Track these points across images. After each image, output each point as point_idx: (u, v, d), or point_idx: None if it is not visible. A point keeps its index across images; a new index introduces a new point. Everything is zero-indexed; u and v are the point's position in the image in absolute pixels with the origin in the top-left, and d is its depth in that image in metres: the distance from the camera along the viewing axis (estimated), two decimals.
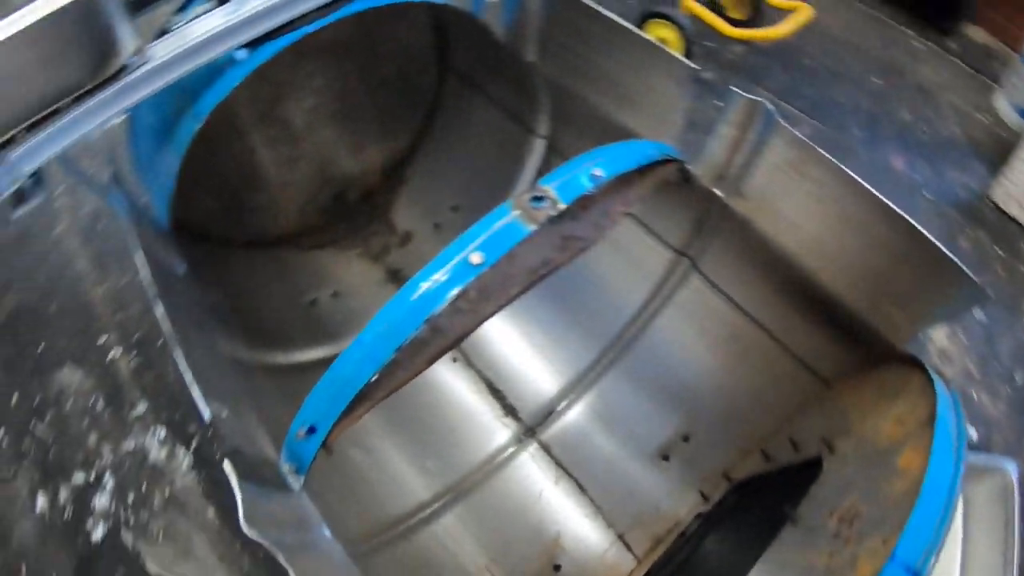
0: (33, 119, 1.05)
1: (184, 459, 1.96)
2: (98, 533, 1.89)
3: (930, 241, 0.96)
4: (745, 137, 1.12)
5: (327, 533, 0.97)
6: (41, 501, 1.92)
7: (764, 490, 1.41)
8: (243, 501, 0.77)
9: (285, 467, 0.95)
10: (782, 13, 2.62)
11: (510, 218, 0.83)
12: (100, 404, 2.06)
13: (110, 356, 2.13)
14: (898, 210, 0.97)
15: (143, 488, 1.91)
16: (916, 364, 1.07)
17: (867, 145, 2.68)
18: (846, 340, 1.26)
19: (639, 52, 1.18)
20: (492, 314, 0.92)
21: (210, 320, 1.44)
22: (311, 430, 0.88)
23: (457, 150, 1.87)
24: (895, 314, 1.11)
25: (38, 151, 1.07)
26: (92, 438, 1.99)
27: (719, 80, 2.70)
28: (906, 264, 1.02)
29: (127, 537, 1.86)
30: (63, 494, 1.91)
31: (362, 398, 0.87)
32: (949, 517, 0.74)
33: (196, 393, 0.88)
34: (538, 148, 1.69)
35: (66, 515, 1.91)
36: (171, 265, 1.31)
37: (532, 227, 0.83)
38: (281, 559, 0.72)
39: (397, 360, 0.86)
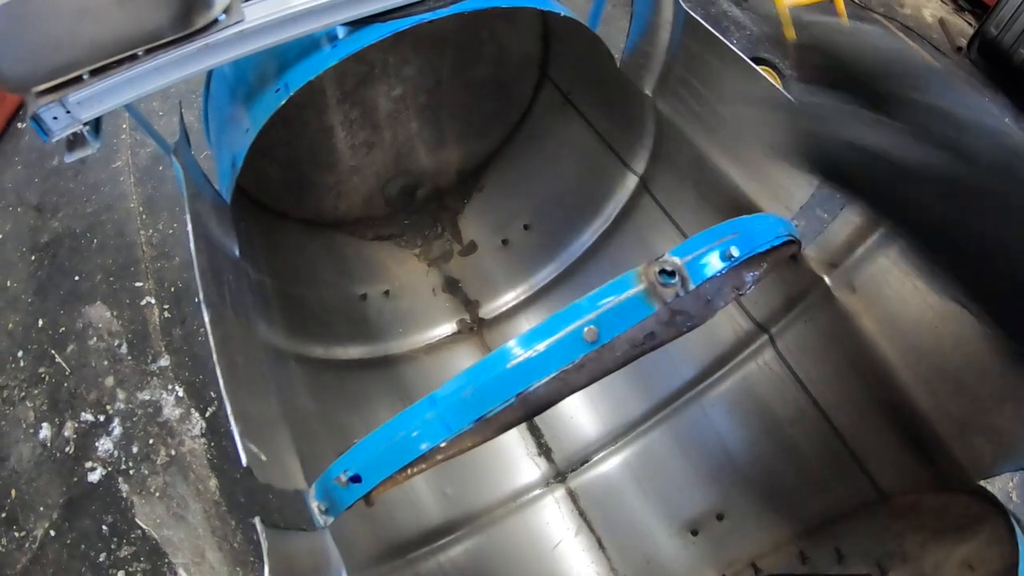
0: (103, 62, 0.90)
1: (197, 423, 1.84)
2: (95, 475, 1.78)
3: None
4: (873, 229, 0.95)
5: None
6: (45, 430, 1.81)
7: None
8: (271, 559, 0.63)
9: (314, 504, 0.81)
10: None
11: (634, 292, 0.67)
12: (124, 348, 1.94)
13: (143, 302, 2.00)
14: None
15: (150, 442, 1.79)
16: (994, 504, 0.90)
17: None
18: (918, 456, 1.09)
19: (770, 106, 1.00)
20: (584, 387, 0.77)
21: (254, 304, 1.29)
22: (355, 478, 0.74)
23: (540, 167, 1.70)
24: (983, 447, 0.93)
25: (101, 98, 0.92)
26: (109, 380, 1.87)
27: None
28: (1010, 401, 0.85)
29: (123, 486, 1.75)
30: (68, 429, 1.80)
31: (420, 460, 0.73)
32: None
33: (236, 430, 0.73)
34: (629, 184, 1.52)
35: (68, 449, 1.80)
36: (223, 244, 1.16)
37: (656, 307, 0.66)
38: None
39: (472, 427, 0.72)
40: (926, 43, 2.71)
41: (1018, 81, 2.52)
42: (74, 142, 0.95)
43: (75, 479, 1.79)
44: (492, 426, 0.72)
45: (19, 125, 2.37)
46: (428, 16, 1.03)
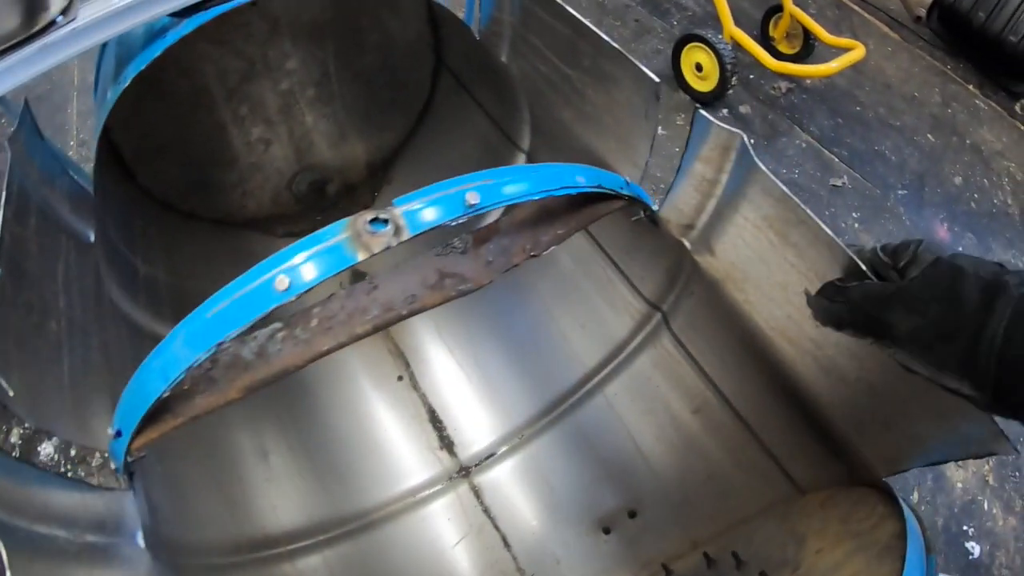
0: None
1: None
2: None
3: None
4: (718, 179, 0.81)
5: (140, 543, 0.79)
6: None
7: None
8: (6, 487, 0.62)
9: (111, 464, 0.75)
10: (835, 52, 2.23)
11: (335, 240, 0.57)
12: None
13: None
14: None
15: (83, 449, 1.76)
16: (895, 504, 0.75)
17: (909, 207, 2.26)
18: (827, 448, 0.94)
19: (604, 59, 0.88)
20: (330, 351, 0.69)
21: (125, 290, 1.23)
22: (118, 433, 0.68)
23: (445, 154, 1.61)
24: (883, 439, 0.78)
25: None
26: None
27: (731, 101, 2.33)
28: (903, 381, 0.69)
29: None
30: (14, 435, 1.78)
31: (162, 411, 0.66)
32: None
33: None
34: (521, 162, 1.41)
35: (14, 455, 1.78)
36: (76, 229, 1.11)
37: (360, 256, 0.56)
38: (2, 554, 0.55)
39: (210, 377, 0.67)
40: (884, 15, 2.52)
41: (979, 46, 2.32)
42: None
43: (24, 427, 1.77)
44: (232, 377, 0.67)
45: None
46: None
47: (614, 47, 0.82)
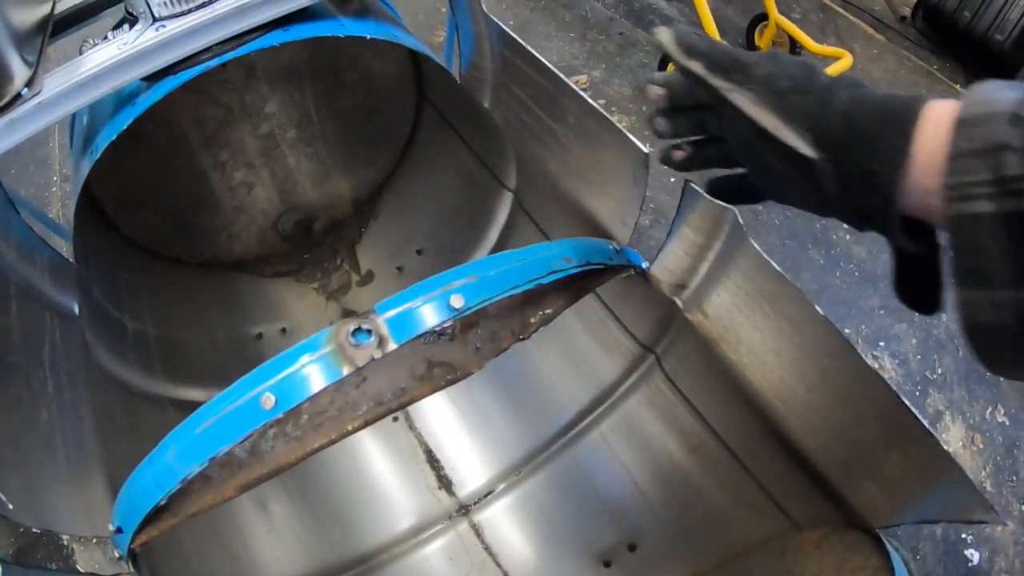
0: None
1: None
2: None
3: (923, 429, 0.64)
4: (710, 245, 0.81)
5: None
6: None
7: None
8: None
9: (115, 553, 0.75)
10: (821, 62, 2.22)
11: (318, 355, 0.57)
12: None
13: None
14: (885, 381, 0.65)
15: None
16: (888, 560, 0.76)
17: None
18: (821, 491, 0.94)
19: (589, 120, 0.87)
20: (323, 447, 0.69)
21: (118, 356, 1.23)
22: (119, 530, 0.69)
23: (430, 189, 1.60)
24: (874, 494, 0.79)
25: None
26: None
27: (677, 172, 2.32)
28: (893, 448, 0.70)
29: (64, 535, 1.70)
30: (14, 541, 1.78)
31: (162, 511, 0.66)
32: None
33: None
34: (507, 200, 1.41)
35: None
36: (59, 303, 1.10)
37: (344, 371, 0.56)
38: None
39: (205, 476, 0.65)
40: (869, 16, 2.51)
41: (965, 46, 2.31)
42: None
43: (21, 530, 1.76)
44: (227, 476, 0.66)
45: None
46: (214, 62, 0.93)
47: (598, 110, 0.81)
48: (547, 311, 0.72)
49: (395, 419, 1.50)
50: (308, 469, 1.41)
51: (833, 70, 2.12)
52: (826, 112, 0.45)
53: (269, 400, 0.56)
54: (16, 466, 0.74)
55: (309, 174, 1.55)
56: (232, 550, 1.26)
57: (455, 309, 0.59)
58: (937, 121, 0.40)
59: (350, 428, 0.67)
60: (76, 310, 1.11)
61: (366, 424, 0.67)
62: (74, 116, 1.29)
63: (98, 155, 0.97)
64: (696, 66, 0.50)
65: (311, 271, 1.67)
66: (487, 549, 1.38)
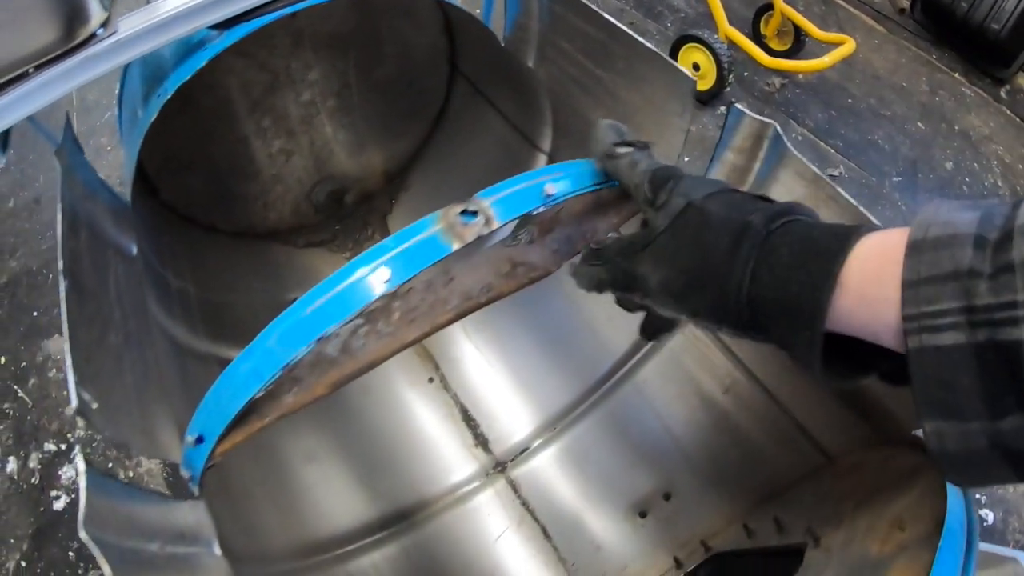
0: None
1: None
2: (60, 503, 1.76)
3: None
4: (750, 167, 0.88)
5: (216, 551, 0.81)
6: (12, 464, 1.80)
7: (741, 569, 1.16)
8: (89, 502, 0.61)
9: (184, 473, 0.77)
10: (824, 48, 2.34)
11: (431, 232, 0.62)
12: None
13: None
14: None
15: (109, 466, 1.76)
16: (927, 455, 0.82)
17: (904, 192, 2.37)
18: (854, 410, 1.01)
19: (638, 61, 0.95)
20: (415, 341, 0.72)
21: (166, 306, 1.27)
22: (199, 439, 0.70)
23: (461, 160, 1.67)
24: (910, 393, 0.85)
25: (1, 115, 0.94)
26: (70, 409, 1.86)
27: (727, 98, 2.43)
28: None
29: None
30: (33, 460, 1.79)
31: (250, 413, 0.67)
32: None
33: (71, 377, 0.72)
34: (541, 164, 1.47)
35: (34, 480, 1.79)
36: (119, 243, 1.15)
37: (455, 246, 0.61)
38: (105, 568, 0.57)
39: (294, 377, 0.68)
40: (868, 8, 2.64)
41: (962, 35, 2.44)
42: None
43: (42, 508, 1.77)
44: (318, 375, 0.69)
45: None
46: (288, 10, 1.00)
47: (650, 48, 0.89)
48: (613, 220, 0.78)
49: (430, 380, 1.55)
50: (349, 426, 1.46)
51: (836, 55, 2.23)
52: (727, 306, 0.45)
53: (384, 273, 0.61)
54: (92, 379, 0.78)
55: (345, 144, 1.61)
56: (279, 503, 1.29)
57: (548, 195, 0.66)
58: (866, 259, 0.39)
59: (441, 320, 0.72)
60: (134, 252, 1.16)
61: (457, 317, 0.72)
62: (122, 91, 1.35)
63: (167, 96, 1.03)
64: (611, 292, 0.58)
65: (343, 241, 1.73)
66: (524, 504, 1.42)
